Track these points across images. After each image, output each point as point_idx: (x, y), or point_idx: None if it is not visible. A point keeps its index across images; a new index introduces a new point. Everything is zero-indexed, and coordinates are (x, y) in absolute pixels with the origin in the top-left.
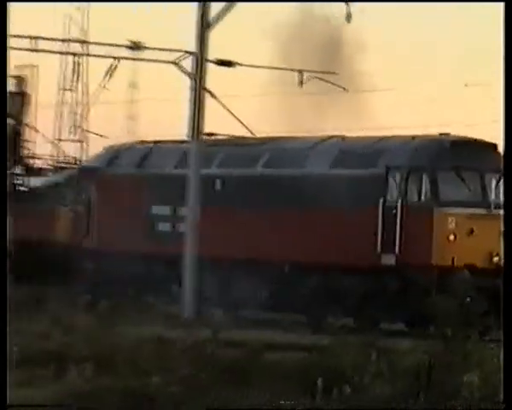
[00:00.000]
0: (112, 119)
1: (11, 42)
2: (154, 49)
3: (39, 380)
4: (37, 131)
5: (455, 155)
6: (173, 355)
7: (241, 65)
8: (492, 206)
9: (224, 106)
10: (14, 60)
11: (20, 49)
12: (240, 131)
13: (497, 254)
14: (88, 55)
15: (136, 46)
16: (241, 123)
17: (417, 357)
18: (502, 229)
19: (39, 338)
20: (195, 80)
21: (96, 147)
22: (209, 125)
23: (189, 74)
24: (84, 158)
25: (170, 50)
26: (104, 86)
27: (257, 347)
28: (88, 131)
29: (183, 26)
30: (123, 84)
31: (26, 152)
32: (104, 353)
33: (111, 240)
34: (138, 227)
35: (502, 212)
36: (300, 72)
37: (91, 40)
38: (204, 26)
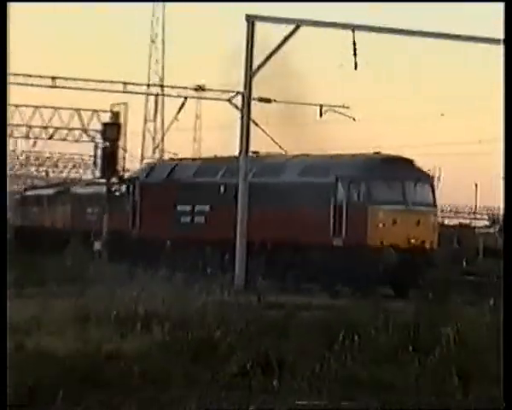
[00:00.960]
0: (182, 142)
1: (107, 86)
2: (214, 90)
3: (131, 334)
4: (127, 151)
5: (383, 169)
6: (230, 314)
7: (275, 101)
8: (410, 203)
9: (263, 131)
10: (111, 99)
11: (116, 91)
12: (276, 148)
13: (413, 237)
14: (164, 95)
15: (200, 88)
16: (276, 143)
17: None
18: (417, 220)
19: (131, 303)
20: (243, 113)
21: None
22: (253, 146)
23: (238, 108)
24: None
25: (224, 91)
26: (176, 118)
27: (292, 308)
28: (164, 151)
29: (236, 72)
30: (191, 115)
31: (119, 167)
32: (179, 313)
33: (150, 229)
34: (167, 219)
35: (416, 208)
36: (321, 106)
37: (167, 84)
38: (249, 73)
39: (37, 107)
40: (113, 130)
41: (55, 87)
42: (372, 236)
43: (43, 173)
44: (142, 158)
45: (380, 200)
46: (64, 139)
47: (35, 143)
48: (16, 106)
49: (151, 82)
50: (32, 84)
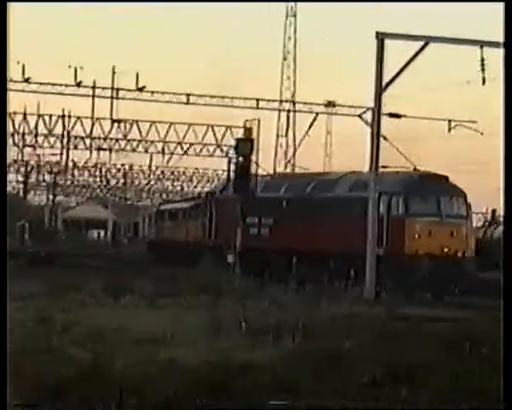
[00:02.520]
0: (313, 157)
1: (240, 103)
2: (344, 106)
3: (262, 344)
4: (259, 166)
5: (420, 185)
6: (358, 326)
7: (405, 116)
8: (444, 216)
9: (393, 146)
10: (245, 116)
11: (250, 108)
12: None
13: (446, 247)
14: (296, 111)
15: (330, 104)
16: (406, 158)
17: None
18: (451, 230)
19: (262, 314)
20: (373, 128)
21: None
22: (383, 161)
23: (368, 124)
24: None
25: (355, 107)
26: (308, 133)
27: (417, 319)
28: (296, 165)
29: (366, 89)
30: (322, 131)
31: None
32: (309, 324)
33: (222, 238)
34: (236, 230)
35: (450, 220)
36: (450, 121)
37: (298, 100)
38: (379, 89)
39: (172, 123)
40: (246, 145)
41: (190, 104)
42: (409, 245)
43: (179, 188)
44: (275, 172)
45: (417, 213)
46: (198, 154)
47: (170, 158)
48: (152, 122)
49: (283, 98)
50: (167, 101)
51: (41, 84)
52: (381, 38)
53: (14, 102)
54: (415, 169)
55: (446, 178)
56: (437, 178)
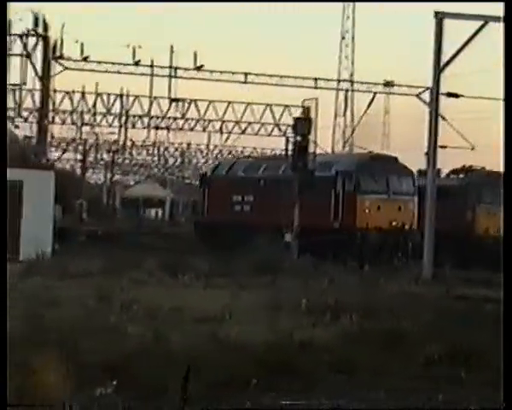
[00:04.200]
0: (371, 136)
1: (299, 82)
2: (402, 85)
3: (321, 323)
4: (317, 145)
5: (371, 165)
6: (417, 305)
7: (464, 96)
8: (391, 193)
9: (452, 126)
10: (302, 94)
11: (308, 87)
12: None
13: (394, 220)
14: (354, 90)
15: (388, 83)
16: (464, 138)
17: None
18: (398, 206)
19: (320, 293)
20: (431, 108)
21: None
22: (442, 140)
23: (427, 104)
24: None
25: (413, 86)
26: (366, 113)
27: (477, 299)
28: (353, 145)
29: (424, 69)
30: (380, 110)
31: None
32: (367, 304)
33: (216, 215)
34: (227, 206)
35: (397, 197)
36: None
37: (356, 79)
38: (438, 68)
39: (230, 102)
40: (304, 124)
41: (248, 83)
42: (360, 219)
43: None
44: (333, 152)
45: (367, 190)
46: (256, 134)
47: (228, 137)
48: (211, 101)
49: (341, 78)
50: (225, 80)
51: (99, 62)
52: (439, 17)
53: (73, 80)
54: (369, 152)
55: (395, 158)
56: (387, 158)
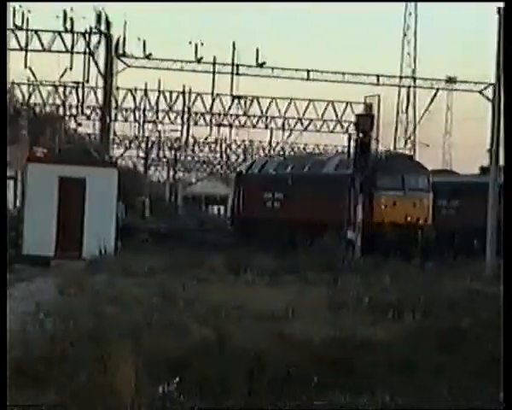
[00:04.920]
0: (434, 133)
1: (361, 79)
2: (465, 81)
3: (382, 322)
4: (379, 142)
5: (387, 163)
6: (483, 303)
7: None
8: (407, 190)
9: None
10: (364, 91)
11: (370, 83)
12: None
13: (409, 216)
14: (416, 87)
15: (451, 80)
16: None
17: None
18: (413, 202)
19: (383, 290)
20: (494, 105)
21: (421, 153)
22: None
23: (490, 100)
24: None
25: (476, 83)
26: (428, 110)
27: None
28: (416, 141)
29: (487, 65)
30: (442, 107)
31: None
32: (431, 301)
33: (250, 211)
34: (260, 203)
35: (413, 193)
36: None
37: (419, 75)
38: (501, 64)
39: (292, 99)
40: (366, 121)
41: (310, 80)
42: (376, 214)
43: None
44: (395, 149)
45: (383, 187)
46: (318, 130)
47: (290, 134)
48: (273, 98)
49: (403, 74)
50: (287, 77)
51: (162, 60)
52: (503, 12)
53: (136, 78)
54: (386, 151)
55: (411, 157)
56: (403, 157)
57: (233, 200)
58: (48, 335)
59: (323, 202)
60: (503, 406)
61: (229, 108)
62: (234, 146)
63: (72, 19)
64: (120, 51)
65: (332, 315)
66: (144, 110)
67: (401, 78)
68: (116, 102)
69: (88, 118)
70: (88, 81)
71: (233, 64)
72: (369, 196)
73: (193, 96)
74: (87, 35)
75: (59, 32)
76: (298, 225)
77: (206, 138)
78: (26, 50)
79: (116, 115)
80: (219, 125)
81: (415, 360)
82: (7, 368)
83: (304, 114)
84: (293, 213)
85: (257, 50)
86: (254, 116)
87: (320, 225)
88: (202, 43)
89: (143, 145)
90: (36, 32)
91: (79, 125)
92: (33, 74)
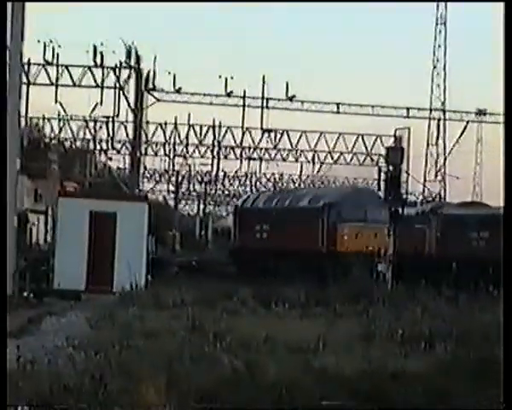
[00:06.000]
0: (464, 165)
1: (391, 112)
2: (495, 114)
3: (414, 353)
4: (410, 175)
5: (352, 197)
6: None
7: None
8: (369, 221)
9: None
10: (395, 124)
11: (400, 116)
12: None
13: (370, 246)
14: (446, 119)
15: (481, 112)
16: None
17: None
18: (374, 233)
19: (414, 322)
20: None
21: (452, 185)
22: None
23: None
24: (443, 194)
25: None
26: (458, 142)
27: None
28: (446, 174)
29: None
30: (472, 139)
31: (402, 190)
32: (462, 332)
33: (244, 242)
34: (252, 234)
35: (375, 225)
36: None
37: (449, 108)
38: None
39: (322, 132)
40: (396, 154)
41: (340, 113)
42: (340, 244)
43: None
44: (425, 181)
45: (347, 219)
46: (348, 163)
47: (320, 167)
48: (303, 131)
49: (433, 106)
50: (317, 111)
51: (192, 94)
52: (503, 12)
53: (166, 111)
54: (352, 185)
55: (373, 190)
56: (367, 191)
57: (233, 232)
58: (80, 368)
59: (297, 233)
60: (503, 406)
61: (259, 142)
62: (264, 179)
63: (102, 53)
64: (150, 85)
65: (364, 347)
66: (174, 144)
67: (431, 110)
68: (146, 136)
69: (118, 152)
70: (118, 115)
71: (263, 97)
72: (332, 226)
73: (223, 129)
74: (117, 69)
75: (89, 67)
76: (279, 254)
77: (236, 172)
78: (57, 85)
79: (146, 149)
80: (249, 158)
81: (447, 391)
82: (7, 368)
83: (334, 148)
84: (276, 243)
85: (286, 84)
86: (284, 149)
87: (295, 254)
88: (232, 77)
89: (173, 179)
90: (66, 66)
91: (110, 159)
92: (63, 109)
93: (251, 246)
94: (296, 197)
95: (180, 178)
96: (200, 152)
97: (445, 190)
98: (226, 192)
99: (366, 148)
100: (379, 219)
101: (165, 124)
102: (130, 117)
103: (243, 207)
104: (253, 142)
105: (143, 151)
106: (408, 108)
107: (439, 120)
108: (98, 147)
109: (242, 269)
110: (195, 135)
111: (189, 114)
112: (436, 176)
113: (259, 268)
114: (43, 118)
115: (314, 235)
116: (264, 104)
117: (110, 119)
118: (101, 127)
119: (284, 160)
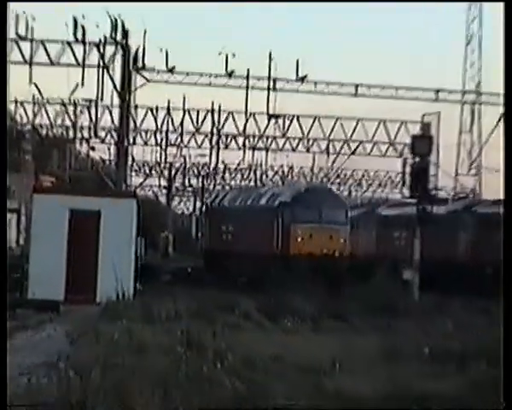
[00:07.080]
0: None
1: (417, 94)
2: None
3: (443, 374)
4: (439, 167)
5: (306, 196)
6: None
7: None
8: (323, 222)
9: None
10: (423, 109)
11: (428, 100)
12: None
13: (325, 248)
14: (481, 103)
15: None
16: None
17: None
18: (329, 235)
19: (443, 337)
20: None
21: (489, 179)
22: None
23: None
24: (478, 190)
25: None
26: (496, 128)
27: None
28: (482, 166)
29: None
30: None
31: (430, 185)
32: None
33: (213, 243)
34: (218, 235)
35: (329, 225)
36: None
37: (484, 90)
38: None
39: (338, 118)
40: (423, 143)
41: (359, 96)
42: (293, 246)
43: (346, 192)
44: (457, 174)
45: (300, 220)
46: (368, 154)
47: (336, 158)
48: (316, 117)
49: (466, 88)
50: (332, 93)
51: (187, 74)
52: (503, 13)
53: (157, 94)
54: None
55: (330, 189)
56: (321, 189)
57: (202, 233)
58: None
59: (256, 235)
60: (503, 406)
61: (265, 129)
62: (270, 173)
63: (83, 27)
64: (139, 64)
65: (385, 366)
66: (167, 132)
67: (464, 92)
68: (134, 122)
69: (102, 141)
70: (102, 99)
71: (269, 78)
72: (284, 228)
73: (223, 115)
74: (101, 46)
75: (68, 43)
76: (242, 257)
77: (238, 164)
78: (31, 64)
79: (134, 138)
80: (253, 148)
81: None
82: (7, 368)
83: (351, 136)
84: (238, 246)
85: (297, 62)
86: (294, 138)
87: (256, 256)
88: (234, 55)
89: (166, 172)
90: (42, 42)
91: (92, 149)
92: (39, 91)
93: (218, 248)
94: (258, 195)
95: (174, 172)
96: (196, 141)
97: (480, 185)
98: (227, 187)
99: (389, 136)
100: (335, 219)
101: (157, 109)
102: (116, 100)
103: (212, 206)
104: (259, 129)
105: (131, 140)
106: (437, 91)
107: (473, 103)
108: (79, 135)
109: (212, 273)
110: (191, 121)
111: (184, 98)
112: (470, 169)
113: (226, 273)
114: (15, 101)
115: (269, 237)
116: (271, 86)
117: (93, 102)
118: (82, 112)
119: (294, 150)
